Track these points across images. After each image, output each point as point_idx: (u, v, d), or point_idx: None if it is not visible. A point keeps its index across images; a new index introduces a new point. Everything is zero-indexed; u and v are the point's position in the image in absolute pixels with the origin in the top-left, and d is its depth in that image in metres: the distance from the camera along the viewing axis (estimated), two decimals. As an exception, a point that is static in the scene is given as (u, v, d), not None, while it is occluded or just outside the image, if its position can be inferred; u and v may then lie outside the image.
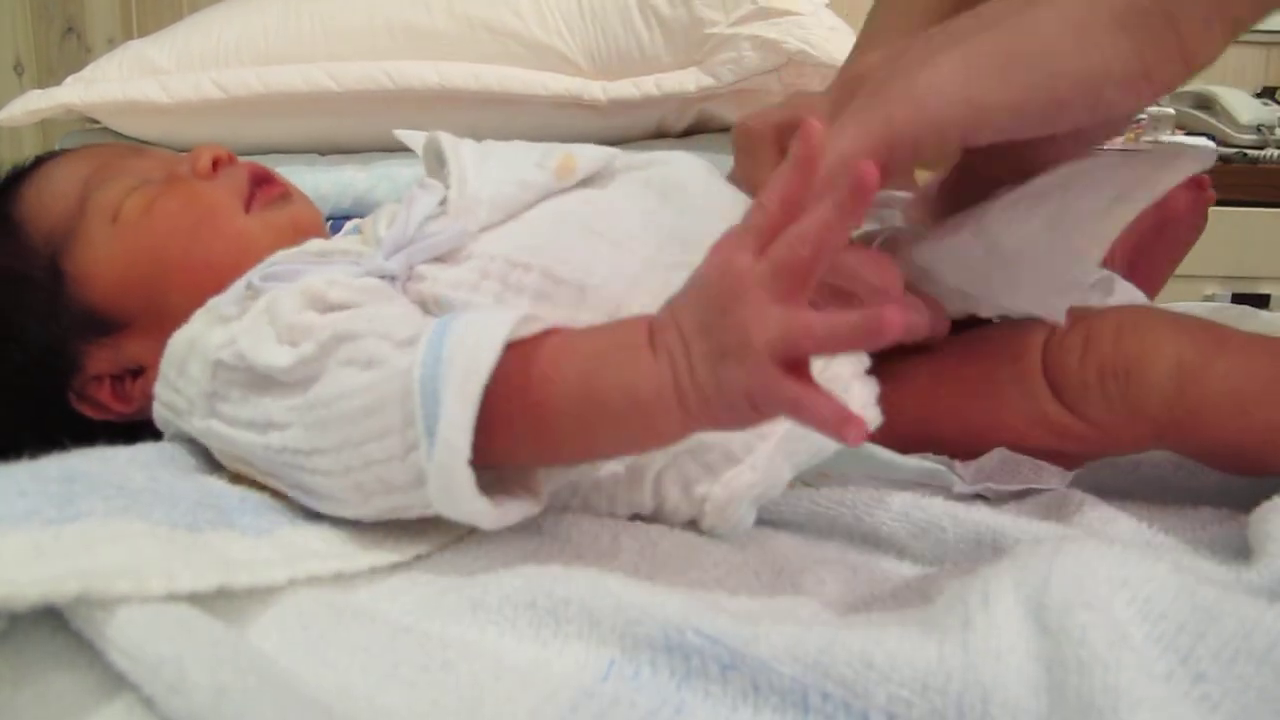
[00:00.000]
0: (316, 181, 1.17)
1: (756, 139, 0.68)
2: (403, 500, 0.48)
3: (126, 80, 1.25)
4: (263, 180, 0.75)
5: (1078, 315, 0.55)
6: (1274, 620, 0.36)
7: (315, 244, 0.65)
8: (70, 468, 0.47)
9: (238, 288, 0.58)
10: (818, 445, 0.53)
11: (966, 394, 0.57)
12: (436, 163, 0.67)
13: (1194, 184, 0.81)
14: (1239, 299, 1.63)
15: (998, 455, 0.56)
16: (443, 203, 0.62)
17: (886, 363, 0.58)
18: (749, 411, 0.42)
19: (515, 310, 0.48)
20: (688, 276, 0.47)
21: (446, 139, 0.66)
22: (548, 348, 0.47)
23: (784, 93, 1.20)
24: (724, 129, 1.28)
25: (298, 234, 0.71)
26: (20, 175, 0.75)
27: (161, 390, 0.60)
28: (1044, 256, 0.53)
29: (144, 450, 0.58)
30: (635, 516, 0.56)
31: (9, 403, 0.71)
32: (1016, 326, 0.57)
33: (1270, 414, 0.51)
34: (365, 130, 1.23)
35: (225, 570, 0.42)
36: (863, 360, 0.55)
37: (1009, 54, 0.47)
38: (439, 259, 0.60)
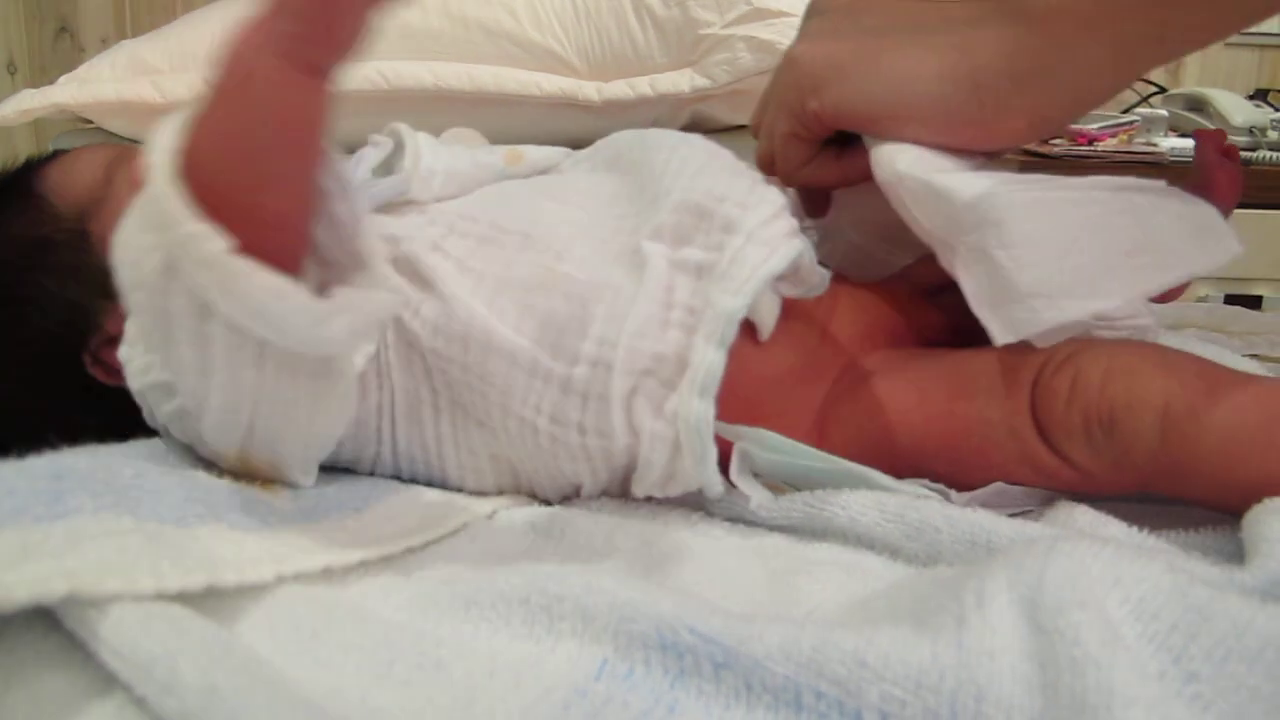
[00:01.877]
0: (310, 181, 1.17)
1: None
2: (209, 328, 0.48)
3: (120, 80, 1.25)
4: None
5: (1067, 355, 0.55)
6: (1266, 621, 0.36)
7: None
8: (59, 464, 0.47)
9: None
10: (726, 313, 0.54)
11: (956, 431, 0.57)
12: (395, 152, 0.70)
13: (1226, 153, 0.80)
14: (1232, 299, 1.63)
15: (994, 489, 0.56)
16: (392, 175, 0.65)
17: (880, 398, 0.59)
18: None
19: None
20: (635, 226, 0.58)
21: (404, 128, 0.70)
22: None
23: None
24: (719, 130, 1.28)
25: None
26: (42, 160, 0.77)
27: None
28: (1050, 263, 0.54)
29: (134, 446, 0.58)
30: (625, 494, 0.57)
31: (23, 368, 0.72)
32: (1007, 363, 0.57)
33: (1257, 468, 0.49)
34: (358, 130, 1.23)
35: (212, 569, 0.42)
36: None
37: (867, 56, 0.60)
38: (386, 210, 0.62)
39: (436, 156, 0.66)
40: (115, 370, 0.69)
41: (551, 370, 0.56)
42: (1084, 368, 0.54)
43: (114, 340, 0.69)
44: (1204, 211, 0.57)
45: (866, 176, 0.63)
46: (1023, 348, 0.56)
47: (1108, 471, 0.53)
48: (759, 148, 0.71)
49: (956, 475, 0.57)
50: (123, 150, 0.76)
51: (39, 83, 1.41)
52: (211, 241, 0.44)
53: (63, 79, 1.30)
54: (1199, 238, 0.56)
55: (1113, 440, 0.52)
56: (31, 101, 1.24)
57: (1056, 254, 0.54)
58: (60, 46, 1.80)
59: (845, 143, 0.66)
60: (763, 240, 0.56)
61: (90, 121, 1.30)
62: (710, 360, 0.53)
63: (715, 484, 0.54)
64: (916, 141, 0.60)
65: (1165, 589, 0.38)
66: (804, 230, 0.60)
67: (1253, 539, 0.45)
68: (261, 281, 0.44)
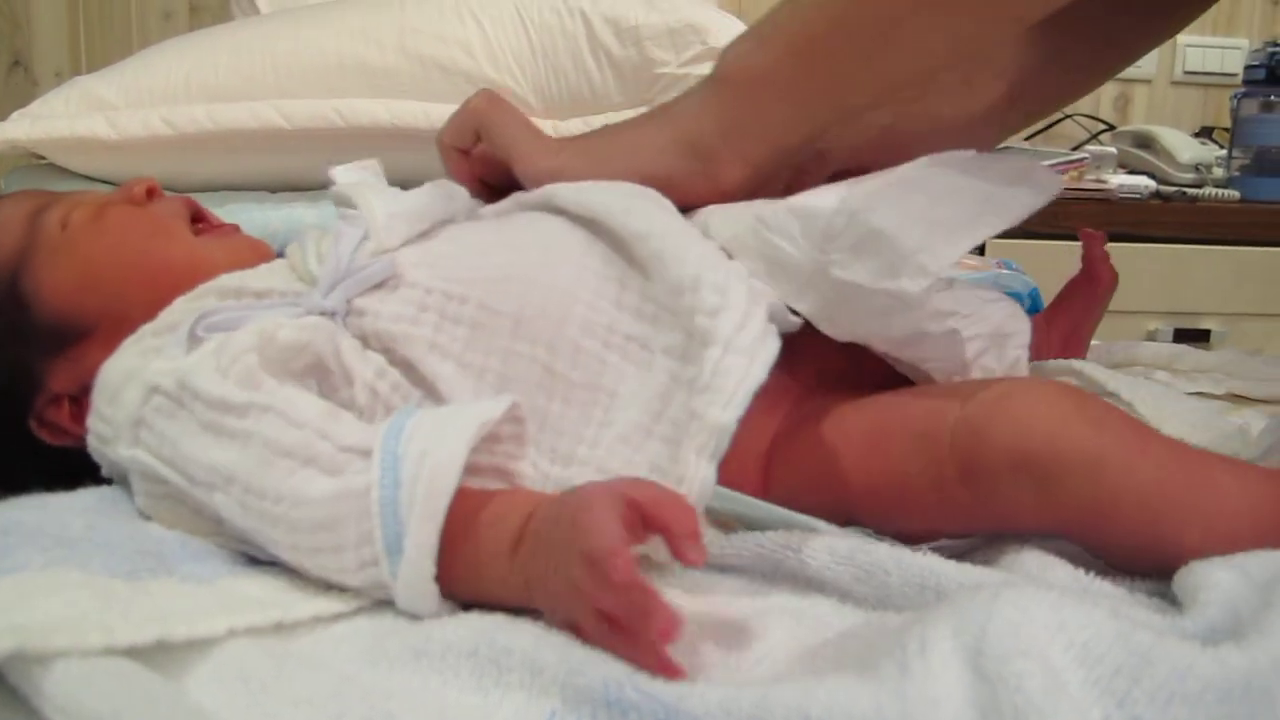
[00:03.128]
0: (266, 219, 1.16)
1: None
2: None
3: (74, 116, 1.24)
4: (199, 216, 0.77)
5: (994, 399, 0.55)
6: (1207, 664, 0.37)
7: (252, 279, 0.65)
8: (7, 519, 0.47)
9: (179, 332, 0.58)
10: (719, 428, 0.53)
11: (877, 485, 0.57)
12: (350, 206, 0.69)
13: (1102, 252, 0.84)
14: (1180, 334, 1.66)
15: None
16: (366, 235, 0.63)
17: (816, 443, 0.60)
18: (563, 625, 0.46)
19: (469, 419, 0.51)
20: (617, 286, 0.60)
21: (347, 186, 0.68)
22: (462, 509, 0.49)
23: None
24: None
25: (252, 252, 0.73)
26: None
27: (92, 421, 0.60)
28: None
29: (83, 496, 0.57)
30: None
31: None
32: (930, 411, 0.57)
33: (1174, 529, 0.50)
34: (316, 168, 1.21)
35: (163, 623, 0.42)
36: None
37: (608, 151, 0.70)
38: (375, 288, 0.61)
39: (395, 203, 0.65)
40: (62, 430, 0.68)
41: (549, 473, 0.57)
42: (1011, 412, 0.54)
43: (58, 399, 0.69)
44: (1022, 163, 0.61)
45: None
46: (946, 396, 0.57)
47: (1028, 516, 0.53)
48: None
49: (888, 523, 0.57)
50: (42, 199, 0.74)
51: (-8, 118, 1.40)
52: (430, 587, 0.48)
53: (15, 114, 1.28)
54: (1025, 183, 0.60)
55: (1036, 484, 0.52)
56: (-16, 138, 1.23)
57: (921, 217, 0.56)
58: (13, 81, 1.79)
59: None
60: (741, 349, 0.55)
61: (43, 158, 1.29)
62: (704, 476, 0.53)
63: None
64: (681, 200, 0.66)
65: (1109, 635, 0.38)
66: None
67: (1189, 588, 0.46)
68: (434, 604, 0.48)
